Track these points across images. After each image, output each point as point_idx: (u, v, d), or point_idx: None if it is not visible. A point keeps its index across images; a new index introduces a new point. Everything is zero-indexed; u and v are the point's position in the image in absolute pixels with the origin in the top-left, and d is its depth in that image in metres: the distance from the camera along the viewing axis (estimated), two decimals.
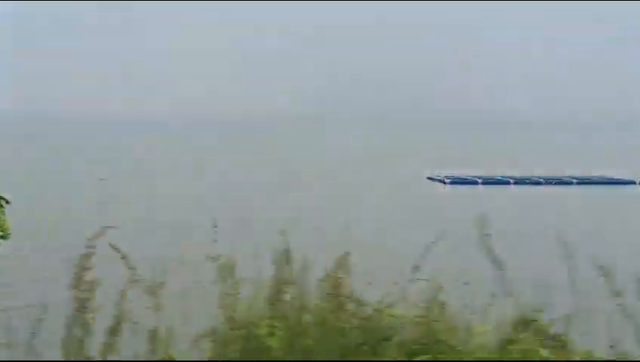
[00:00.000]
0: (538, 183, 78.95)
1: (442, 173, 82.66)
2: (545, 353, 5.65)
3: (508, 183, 79.00)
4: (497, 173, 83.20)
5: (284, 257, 5.58)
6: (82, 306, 5.10)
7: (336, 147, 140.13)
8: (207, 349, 5.23)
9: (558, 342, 8.23)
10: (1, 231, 6.66)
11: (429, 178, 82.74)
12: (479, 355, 4.79)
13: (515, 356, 4.85)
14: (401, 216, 54.80)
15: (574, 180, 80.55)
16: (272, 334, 4.90)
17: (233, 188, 69.89)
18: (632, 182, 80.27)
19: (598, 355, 7.24)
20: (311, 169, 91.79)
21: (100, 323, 5.55)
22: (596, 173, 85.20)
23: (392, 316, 5.05)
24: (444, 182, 79.59)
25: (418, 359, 4.61)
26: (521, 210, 59.30)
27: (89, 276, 5.23)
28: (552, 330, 8.40)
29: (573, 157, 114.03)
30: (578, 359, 6.73)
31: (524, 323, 4.80)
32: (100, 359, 5.05)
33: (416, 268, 5.17)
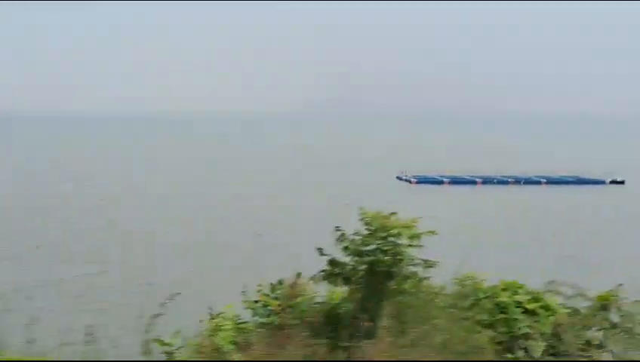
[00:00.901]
0: (505, 182, 77.84)
1: (410, 172, 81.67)
2: None
3: (474, 183, 77.91)
4: (465, 172, 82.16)
5: None
6: None
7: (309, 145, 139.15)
8: None
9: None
10: None
11: (397, 177, 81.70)
12: None
13: None
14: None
15: (543, 180, 79.41)
16: None
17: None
18: (602, 182, 79.14)
19: None
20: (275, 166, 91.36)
21: None
22: (566, 172, 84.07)
23: None
24: (411, 182, 78.58)
25: None
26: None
27: None
28: None
29: (543, 156, 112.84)
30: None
31: None
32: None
33: None
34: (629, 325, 8.52)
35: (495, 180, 78.59)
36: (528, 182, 78.49)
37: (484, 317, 7.95)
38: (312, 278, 7.00)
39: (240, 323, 6.56)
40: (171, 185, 72.06)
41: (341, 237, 7.06)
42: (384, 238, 7.02)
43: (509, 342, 8.02)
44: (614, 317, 8.63)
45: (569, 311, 8.64)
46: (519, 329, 7.91)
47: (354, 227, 7.50)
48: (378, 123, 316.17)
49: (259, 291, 7.10)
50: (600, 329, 8.44)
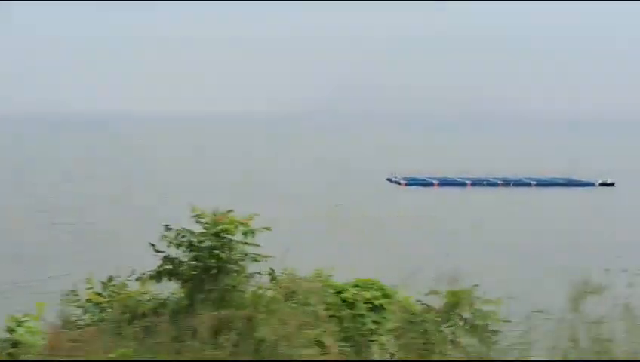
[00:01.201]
0: (494, 184, 77.96)
1: (400, 174, 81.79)
2: None
3: (464, 184, 78.06)
4: (455, 174, 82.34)
5: None
6: None
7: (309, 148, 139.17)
8: None
9: None
10: None
11: (388, 179, 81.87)
12: None
13: None
14: None
15: (533, 181, 79.51)
16: None
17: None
18: (591, 184, 79.17)
19: None
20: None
21: None
22: (557, 174, 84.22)
23: None
24: (400, 183, 78.79)
25: None
26: None
27: None
28: None
29: (536, 157, 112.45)
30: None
31: None
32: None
33: None
34: (480, 322, 8.75)
35: (485, 182, 78.72)
36: (518, 183, 78.63)
37: (331, 312, 8.17)
38: (139, 277, 7.22)
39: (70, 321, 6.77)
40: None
41: (170, 235, 7.29)
42: (216, 235, 7.27)
43: (356, 337, 8.22)
44: (467, 315, 8.87)
45: (422, 307, 8.87)
46: (364, 324, 8.11)
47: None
48: (387, 124, 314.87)
49: (89, 288, 7.35)
50: (450, 326, 8.67)
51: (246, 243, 7.38)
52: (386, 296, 8.54)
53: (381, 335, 8.03)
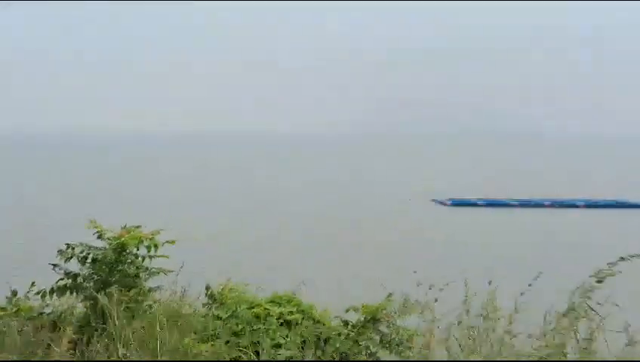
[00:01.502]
0: (542, 205, 76.68)
1: (445, 195, 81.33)
2: None
3: (511, 205, 77.02)
4: (501, 195, 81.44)
5: None
6: None
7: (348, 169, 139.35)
8: None
9: None
10: None
11: (433, 200, 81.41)
12: None
13: None
14: None
15: (581, 203, 77.89)
16: None
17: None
18: None
19: None
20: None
21: None
22: (608, 196, 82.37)
23: None
24: (445, 204, 78.26)
25: None
26: None
27: None
28: None
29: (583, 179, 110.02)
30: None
31: None
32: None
33: None
34: (397, 336, 8.84)
35: (532, 203, 77.55)
36: (566, 205, 77.15)
37: (241, 327, 8.40)
38: (39, 292, 7.57)
39: None
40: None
41: (72, 252, 7.63)
42: (117, 249, 7.60)
43: (264, 351, 8.41)
44: (384, 329, 8.97)
45: (339, 322, 9.02)
46: (273, 339, 8.31)
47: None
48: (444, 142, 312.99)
49: None
50: (366, 340, 8.79)
51: (150, 256, 7.69)
52: (300, 311, 8.72)
53: (289, 349, 8.19)
